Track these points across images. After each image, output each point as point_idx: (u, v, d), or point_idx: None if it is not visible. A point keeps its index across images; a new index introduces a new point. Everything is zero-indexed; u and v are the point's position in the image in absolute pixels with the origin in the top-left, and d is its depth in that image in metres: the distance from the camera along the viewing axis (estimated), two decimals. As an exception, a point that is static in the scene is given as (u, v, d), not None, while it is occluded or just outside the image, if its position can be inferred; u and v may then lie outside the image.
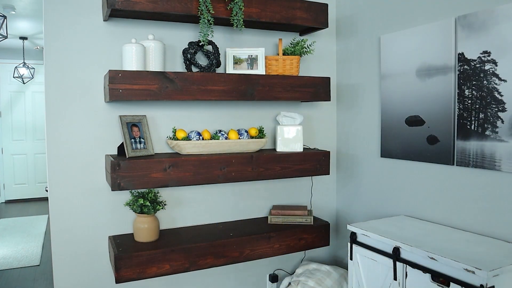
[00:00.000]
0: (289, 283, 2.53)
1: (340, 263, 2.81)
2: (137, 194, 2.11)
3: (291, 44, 2.50)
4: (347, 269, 2.34)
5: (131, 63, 2.02)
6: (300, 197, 2.74)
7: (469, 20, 1.92)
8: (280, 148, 2.44)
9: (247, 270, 2.63)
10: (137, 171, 1.96)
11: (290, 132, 2.45)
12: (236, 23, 2.18)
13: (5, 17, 3.76)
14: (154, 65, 2.12)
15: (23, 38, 5.74)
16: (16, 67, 6.12)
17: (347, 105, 2.75)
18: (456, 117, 2.00)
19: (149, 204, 2.05)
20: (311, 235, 2.41)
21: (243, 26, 2.21)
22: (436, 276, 1.68)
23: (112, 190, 1.93)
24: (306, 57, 2.65)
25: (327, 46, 2.78)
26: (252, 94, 2.22)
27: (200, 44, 2.26)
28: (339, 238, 2.85)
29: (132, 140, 2.12)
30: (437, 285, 1.67)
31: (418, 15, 2.20)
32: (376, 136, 2.51)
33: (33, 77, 6.39)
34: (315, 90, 2.40)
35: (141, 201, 2.04)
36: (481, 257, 1.61)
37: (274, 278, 2.66)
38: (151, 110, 2.28)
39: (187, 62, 2.26)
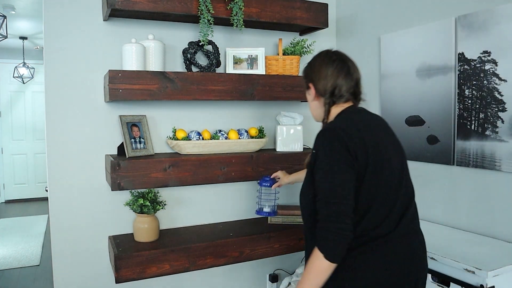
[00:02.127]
0: (289, 283, 2.53)
1: (340, 263, 2.81)
2: (137, 194, 2.11)
3: (291, 44, 2.50)
4: (347, 269, 2.34)
5: (131, 63, 2.02)
6: (300, 197, 2.74)
7: (469, 20, 1.92)
8: (280, 148, 2.44)
9: (247, 270, 2.63)
10: (137, 171, 1.96)
11: (290, 132, 2.44)
12: (236, 23, 2.18)
13: (5, 17, 3.76)
14: (154, 65, 2.12)
15: (23, 38, 5.74)
16: (16, 67, 6.12)
17: (347, 105, 2.74)
18: (456, 117, 2.00)
19: (149, 204, 2.04)
20: (311, 235, 2.41)
21: (243, 26, 2.21)
22: (436, 276, 1.68)
23: (112, 190, 1.93)
24: (306, 57, 2.65)
25: (327, 46, 2.74)
26: (252, 94, 2.22)
27: (200, 44, 2.26)
28: (339, 238, 2.85)
29: (132, 140, 2.12)
30: (437, 285, 1.67)
31: (418, 15, 2.20)
32: (376, 136, 2.51)
33: (33, 77, 6.39)
34: (315, 90, 2.40)
35: (141, 201, 2.04)
36: (481, 257, 1.62)
37: (274, 278, 2.66)
38: (151, 110, 2.28)
39: (187, 62, 2.26)
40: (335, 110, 1.40)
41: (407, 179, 1.38)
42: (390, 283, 1.27)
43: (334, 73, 1.39)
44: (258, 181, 2.20)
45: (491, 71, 1.83)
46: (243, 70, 2.37)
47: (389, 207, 1.29)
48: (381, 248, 1.27)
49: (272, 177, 2.15)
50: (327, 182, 1.23)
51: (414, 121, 2.22)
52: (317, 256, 1.21)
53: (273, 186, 2.11)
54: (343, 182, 1.22)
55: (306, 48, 2.48)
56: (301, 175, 2.01)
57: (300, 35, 2.67)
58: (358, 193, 1.25)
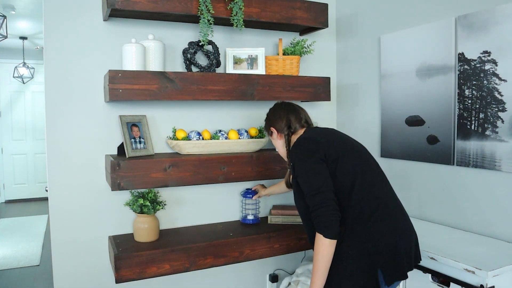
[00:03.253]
0: (289, 283, 2.53)
1: (340, 263, 2.81)
2: (137, 194, 2.11)
3: (291, 44, 2.50)
4: (347, 269, 2.34)
5: (131, 63, 2.02)
6: (300, 197, 2.74)
7: (469, 20, 1.92)
8: (280, 148, 2.44)
9: (247, 270, 2.63)
10: (137, 171, 1.96)
11: (290, 132, 2.44)
12: (236, 23, 2.18)
13: (5, 17, 3.77)
14: (154, 65, 2.12)
15: (23, 38, 5.74)
16: (16, 67, 6.13)
17: (347, 105, 2.74)
18: (456, 117, 2.00)
19: (149, 204, 2.04)
20: (311, 235, 2.41)
21: (243, 26, 2.21)
22: (436, 276, 1.68)
23: (112, 190, 1.93)
24: (306, 57, 2.65)
25: (327, 46, 2.78)
26: (252, 94, 2.22)
27: (200, 44, 2.26)
28: (339, 238, 2.85)
29: (132, 140, 2.12)
30: (437, 285, 1.67)
31: (418, 15, 2.20)
32: (376, 136, 2.51)
33: (33, 77, 6.39)
34: (315, 90, 2.40)
35: (141, 201, 2.04)
36: (481, 257, 1.62)
37: (274, 278, 2.66)
38: (151, 110, 2.28)
39: (187, 62, 2.26)
40: (295, 137, 1.72)
41: (378, 166, 1.65)
42: (397, 242, 1.51)
43: (285, 113, 1.80)
44: (242, 193, 2.47)
45: (491, 71, 1.83)
46: (243, 70, 2.37)
47: (369, 181, 1.56)
48: (378, 222, 1.51)
49: (253, 189, 2.45)
50: (308, 180, 1.53)
51: (414, 121, 2.23)
52: (319, 238, 1.47)
53: (253, 197, 2.43)
54: (319, 175, 1.51)
55: (306, 48, 2.48)
56: (274, 188, 2.38)
57: (300, 35, 2.67)
58: (340, 175, 1.52)
